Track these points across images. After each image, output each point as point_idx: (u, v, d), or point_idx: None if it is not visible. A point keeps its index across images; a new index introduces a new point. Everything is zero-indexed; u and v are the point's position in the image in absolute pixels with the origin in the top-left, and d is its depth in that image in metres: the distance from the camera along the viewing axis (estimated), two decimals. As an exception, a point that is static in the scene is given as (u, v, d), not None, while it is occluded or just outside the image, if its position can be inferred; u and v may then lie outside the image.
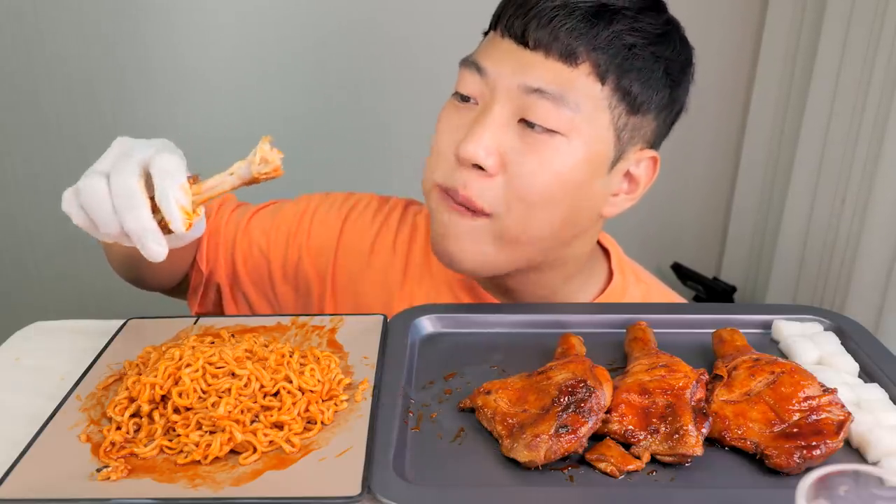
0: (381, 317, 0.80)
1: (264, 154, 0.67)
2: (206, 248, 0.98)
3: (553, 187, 0.79)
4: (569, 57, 0.78)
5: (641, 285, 0.98)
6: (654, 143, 0.87)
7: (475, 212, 0.81)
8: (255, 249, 0.98)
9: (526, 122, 0.79)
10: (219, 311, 1.01)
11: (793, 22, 1.93)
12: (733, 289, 2.20)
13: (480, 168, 0.79)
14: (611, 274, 0.97)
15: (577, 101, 0.78)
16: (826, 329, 0.79)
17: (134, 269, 0.93)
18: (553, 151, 0.78)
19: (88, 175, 0.67)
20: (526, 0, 0.79)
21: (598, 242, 0.97)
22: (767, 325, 0.80)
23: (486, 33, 0.86)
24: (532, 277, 0.90)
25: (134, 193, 0.64)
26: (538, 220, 0.81)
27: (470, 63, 0.82)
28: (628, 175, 0.85)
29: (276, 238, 0.98)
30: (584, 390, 0.62)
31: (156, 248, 0.65)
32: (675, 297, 1.01)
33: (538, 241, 0.83)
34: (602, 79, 0.79)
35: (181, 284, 1.00)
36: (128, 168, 0.65)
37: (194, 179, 0.68)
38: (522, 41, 0.79)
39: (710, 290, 2.18)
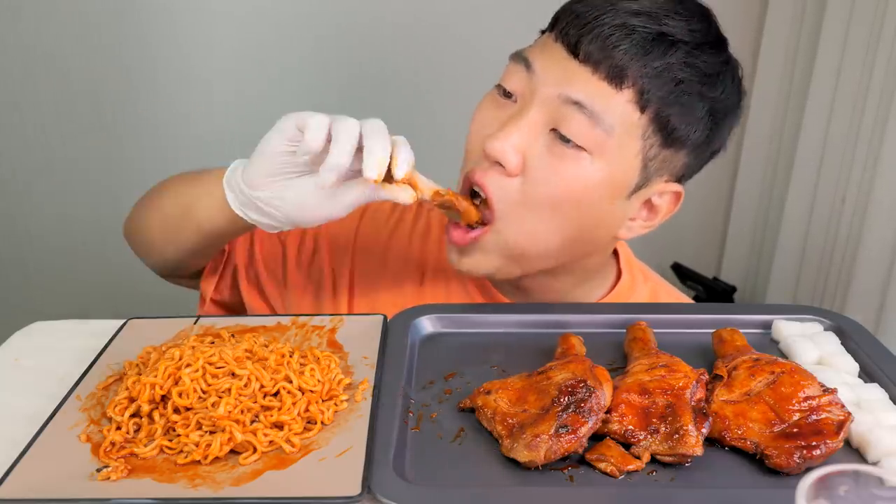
0: (381, 317, 0.80)
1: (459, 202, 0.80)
2: None
3: (568, 201, 0.79)
4: (615, 78, 0.76)
5: (649, 283, 0.99)
6: (682, 178, 0.86)
7: (474, 237, 0.82)
8: (273, 238, 0.99)
9: (556, 133, 0.78)
10: (233, 297, 1.01)
11: (793, 22, 1.93)
12: (733, 289, 2.20)
13: (503, 166, 0.79)
14: (619, 273, 0.97)
15: (613, 124, 0.77)
16: (826, 329, 0.79)
17: (197, 252, 0.91)
18: (574, 166, 0.78)
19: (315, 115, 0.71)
20: (586, 11, 0.78)
21: None
22: (767, 325, 0.80)
23: (543, 31, 0.85)
24: (546, 280, 0.90)
25: (382, 128, 0.71)
26: (543, 233, 0.81)
27: (521, 58, 0.82)
28: (649, 203, 0.85)
29: (294, 230, 0.98)
30: (584, 390, 0.62)
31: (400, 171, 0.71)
32: (680, 296, 1.01)
33: (545, 254, 0.84)
34: (643, 108, 0.77)
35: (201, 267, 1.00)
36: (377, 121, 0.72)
37: None
38: (574, 52, 0.78)
39: (710, 290, 2.18)
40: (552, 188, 0.79)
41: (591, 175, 0.78)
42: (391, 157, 0.70)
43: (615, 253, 0.98)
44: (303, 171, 0.74)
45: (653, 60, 0.76)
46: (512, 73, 0.82)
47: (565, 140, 0.78)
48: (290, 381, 0.67)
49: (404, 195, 0.73)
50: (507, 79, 0.82)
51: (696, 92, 0.79)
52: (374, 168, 0.69)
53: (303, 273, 0.99)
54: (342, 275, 0.98)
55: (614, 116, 0.77)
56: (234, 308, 1.02)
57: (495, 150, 0.78)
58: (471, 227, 0.82)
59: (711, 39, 0.80)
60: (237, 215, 0.79)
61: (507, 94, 0.82)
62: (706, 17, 0.81)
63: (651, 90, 0.77)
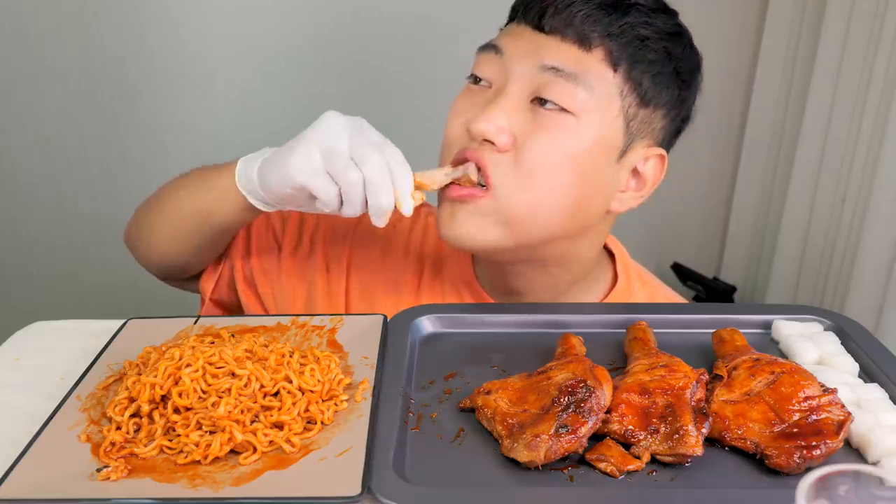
0: (381, 317, 0.80)
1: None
2: None
3: (562, 166, 0.81)
4: (583, 41, 0.80)
5: (647, 288, 0.98)
6: (663, 143, 0.88)
7: (474, 194, 0.81)
8: (269, 234, 1.00)
9: (539, 101, 0.81)
10: (232, 297, 1.01)
11: (793, 22, 1.93)
12: (733, 289, 2.20)
13: (492, 144, 0.80)
14: (615, 277, 0.97)
15: (591, 83, 0.80)
16: (826, 329, 0.79)
17: (199, 251, 0.95)
18: (564, 130, 0.80)
19: (308, 143, 0.77)
20: None
21: (604, 245, 0.97)
22: (767, 325, 0.80)
23: (502, 28, 0.88)
24: (538, 278, 0.90)
25: (383, 176, 0.76)
26: (545, 202, 0.81)
27: (489, 46, 0.85)
28: (636, 172, 0.86)
29: (291, 226, 1.00)
30: (584, 390, 0.62)
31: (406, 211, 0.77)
32: (678, 299, 1.01)
33: (545, 227, 0.83)
34: (614, 66, 0.81)
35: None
36: (375, 152, 0.76)
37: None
38: (539, 26, 0.82)
39: (710, 290, 2.18)
40: (546, 155, 0.80)
41: (581, 136, 0.80)
42: (396, 200, 0.76)
43: (611, 255, 0.98)
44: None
45: (615, 20, 0.81)
46: (482, 61, 0.85)
47: (549, 105, 0.80)
48: (290, 381, 0.67)
49: (407, 209, 0.77)
50: (478, 67, 0.85)
51: (661, 48, 0.83)
52: (381, 219, 0.77)
53: (297, 272, 0.99)
54: (340, 275, 0.98)
55: (590, 75, 0.80)
56: (234, 308, 1.02)
57: (481, 129, 0.80)
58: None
59: (662, 6, 0.85)
60: (258, 209, 0.85)
61: (479, 81, 0.85)
62: None
63: (618, 48, 0.81)
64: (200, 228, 0.90)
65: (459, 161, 0.83)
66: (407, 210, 0.77)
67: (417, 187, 0.78)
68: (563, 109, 0.80)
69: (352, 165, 0.75)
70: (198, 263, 0.98)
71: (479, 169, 0.82)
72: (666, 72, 0.83)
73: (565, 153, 0.80)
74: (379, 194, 0.75)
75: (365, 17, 1.99)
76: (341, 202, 0.77)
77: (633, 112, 0.83)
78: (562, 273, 0.90)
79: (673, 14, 0.86)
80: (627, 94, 0.82)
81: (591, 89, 0.80)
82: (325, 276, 0.98)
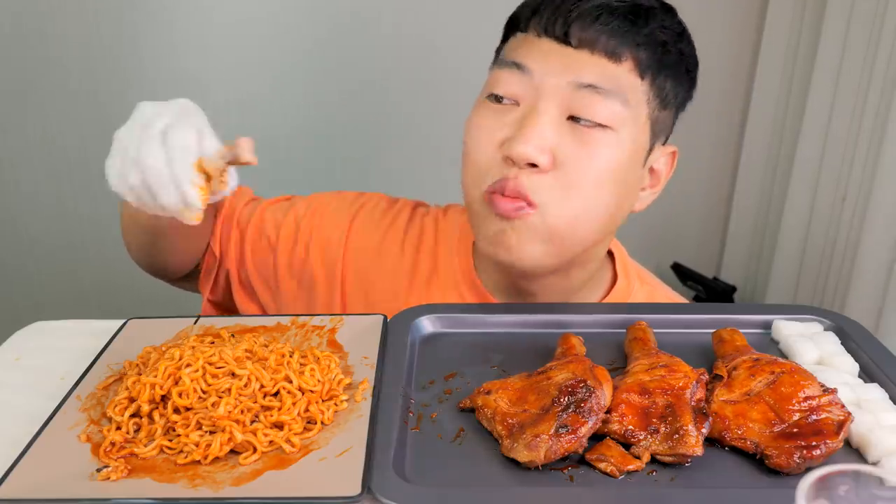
0: (381, 317, 0.80)
1: (239, 148, 0.70)
2: (220, 232, 0.99)
3: (603, 180, 0.81)
4: (613, 54, 0.80)
5: (646, 287, 0.98)
6: (668, 138, 0.90)
7: (522, 207, 0.80)
8: (263, 241, 0.99)
9: (574, 119, 0.80)
10: (229, 299, 1.01)
11: (793, 22, 1.93)
12: (733, 289, 2.20)
13: (533, 165, 0.79)
14: (614, 276, 0.97)
15: (626, 96, 0.80)
16: (826, 329, 0.79)
17: (155, 251, 0.94)
18: (604, 146, 0.80)
19: (115, 149, 0.70)
20: (565, 1, 0.81)
21: None
22: (767, 325, 0.80)
23: (505, 36, 0.87)
24: (555, 281, 0.90)
25: (161, 173, 0.68)
26: (589, 215, 0.82)
27: (508, 64, 0.82)
28: (652, 170, 0.88)
29: (285, 233, 0.99)
30: (584, 390, 0.62)
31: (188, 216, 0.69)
32: (678, 300, 1.01)
33: (587, 237, 0.84)
34: (642, 75, 0.82)
35: (195, 270, 1.01)
36: (151, 142, 0.68)
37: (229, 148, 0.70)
38: (566, 41, 0.80)
39: (710, 290, 2.18)
40: (591, 173, 0.80)
41: (620, 149, 0.81)
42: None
43: (610, 255, 0.98)
44: None
45: (640, 29, 0.81)
46: (503, 78, 0.82)
47: (589, 123, 0.79)
48: (290, 381, 0.67)
49: (191, 206, 0.69)
50: (499, 85, 0.82)
51: (676, 51, 0.84)
52: (184, 218, 0.70)
53: (294, 279, 0.98)
54: (336, 278, 0.97)
55: (624, 88, 0.80)
56: (233, 307, 1.02)
57: (522, 152, 0.78)
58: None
59: (666, 6, 0.86)
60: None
61: (500, 100, 0.82)
62: None
63: (646, 56, 0.81)
64: (143, 231, 0.90)
65: (494, 192, 0.80)
66: (192, 208, 0.68)
67: (207, 177, 0.69)
68: (600, 125, 0.79)
69: (131, 168, 0.69)
70: (174, 264, 0.98)
71: (519, 197, 0.79)
72: (681, 73, 0.85)
73: (605, 167, 0.80)
74: (158, 195, 0.69)
75: (365, 18, 1.99)
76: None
77: (656, 115, 0.84)
78: (577, 273, 0.91)
79: (674, 11, 0.87)
80: (652, 100, 0.83)
81: (626, 102, 0.80)
82: (323, 281, 0.98)
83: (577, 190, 0.80)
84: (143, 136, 0.69)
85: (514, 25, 0.85)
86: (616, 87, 0.80)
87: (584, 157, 0.80)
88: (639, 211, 0.90)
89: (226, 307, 1.02)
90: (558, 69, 0.80)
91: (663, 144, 0.88)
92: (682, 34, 0.86)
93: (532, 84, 0.81)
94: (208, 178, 0.70)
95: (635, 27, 0.81)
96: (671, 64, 0.83)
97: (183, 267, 0.99)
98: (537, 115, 0.79)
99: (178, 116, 0.71)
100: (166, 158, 0.68)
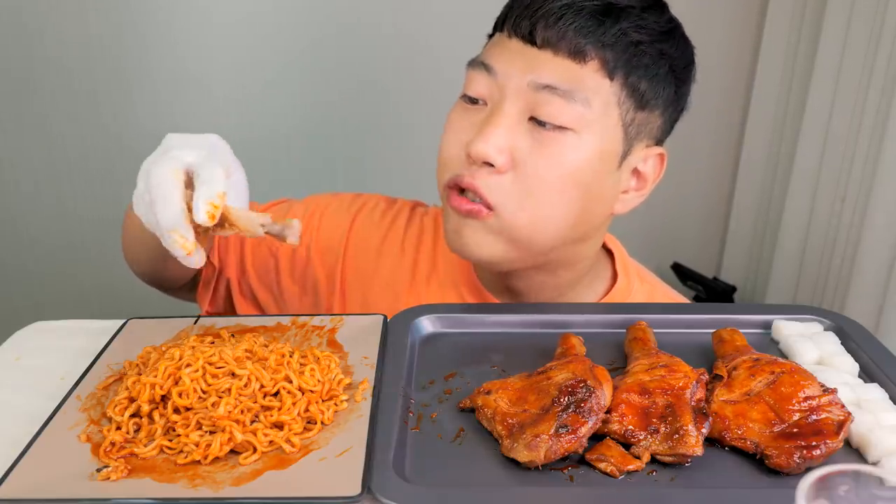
0: (381, 317, 0.80)
1: (291, 228, 0.70)
2: (218, 243, 0.99)
3: (564, 183, 0.80)
4: (577, 54, 0.78)
5: (646, 286, 0.98)
6: (660, 140, 0.88)
7: (478, 209, 0.80)
8: (263, 247, 0.99)
9: (536, 121, 0.79)
10: (229, 308, 1.01)
11: (793, 22, 1.93)
12: (733, 289, 2.20)
13: (491, 165, 0.79)
14: (615, 275, 0.97)
15: (587, 97, 0.79)
16: (826, 329, 0.79)
17: (154, 264, 0.93)
18: (564, 147, 0.79)
19: (140, 175, 0.71)
20: (533, 0, 0.80)
21: (603, 244, 0.97)
22: (767, 325, 0.80)
23: (490, 36, 0.87)
24: (540, 279, 0.90)
25: (169, 189, 0.67)
26: (549, 218, 0.81)
27: (478, 64, 0.83)
28: (636, 172, 0.86)
29: None
30: (584, 390, 0.62)
31: (179, 250, 0.67)
32: (678, 298, 1.01)
33: (549, 240, 0.83)
34: (610, 75, 0.80)
35: (193, 281, 1.01)
36: (168, 165, 0.69)
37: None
38: (530, 40, 0.80)
39: (710, 290, 2.18)
40: (548, 174, 0.79)
41: (582, 151, 0.79)
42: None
43: (610, 254, 0.98)
44: None
45: (607, 29, 0.79)
46: (473, 79, 0.83)
47: (546, 125, 0.78)
48: (290, 381, 0.67)
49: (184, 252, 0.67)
50: (470, 86, 0.83)
51: (654, 51, 0.81)
52: (204, 216, 0.66)
53: (297, 283, 0.99)
54: (336, 280, 0.97)
55: (587, 89, 0.79)
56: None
57: (480, 151, 0.78)
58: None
59: (653, 2, 0.83)
60: None
61: (474, 101, 0.83)
62: None
63: (613, 57, 0.79)
64: (149, 252, 0.87)
65: (452, 186, 0.82)
66: (201, 217, 0.65)
67: (231, 223, 0.68)
68: (561, 127, 0.79)
69: (145, 199, 0.68)
70: (172, 280, 0.97)
71: (479, 197, 0.80)
72: (662, 72, 0.83)
73: (565, 170, 0.79)
74: (160, 202, 0.66)
75: (363, 19, 1.99)
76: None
77: (631, 117, 0.82)
78: (564, 273, 0.91)
79: (664, 9, 0.85)
80: (625, 101, 0.81)
81: (588, 103, 0.78)
82: (324, 281, 0.98)
83: (535, 192, 0.79)
84: (161, 171, 0.68)
85: (495, 26, 0.86)
86: (577, 88, 0.78)
87: (542, 159, 0.79)
88: (622, 213, 0.88)
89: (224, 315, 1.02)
90: (520, 69, 0.79)
91: (657, 145, 0.87)
92: (667, 32, 0.83)
93: (497, 84, 0.81)
94: (222, 222, 0.68)
95: (602, 27, 0.78)
96: (646, 64, 0.81)
97: (182, 280, 0.99)
98: (497, 115, 0.79)
99: (206, 154, 0.70)
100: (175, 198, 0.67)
